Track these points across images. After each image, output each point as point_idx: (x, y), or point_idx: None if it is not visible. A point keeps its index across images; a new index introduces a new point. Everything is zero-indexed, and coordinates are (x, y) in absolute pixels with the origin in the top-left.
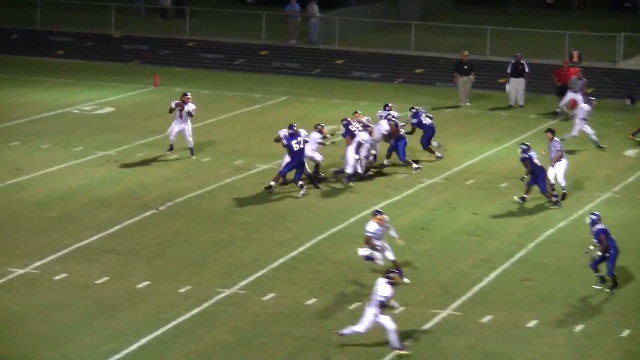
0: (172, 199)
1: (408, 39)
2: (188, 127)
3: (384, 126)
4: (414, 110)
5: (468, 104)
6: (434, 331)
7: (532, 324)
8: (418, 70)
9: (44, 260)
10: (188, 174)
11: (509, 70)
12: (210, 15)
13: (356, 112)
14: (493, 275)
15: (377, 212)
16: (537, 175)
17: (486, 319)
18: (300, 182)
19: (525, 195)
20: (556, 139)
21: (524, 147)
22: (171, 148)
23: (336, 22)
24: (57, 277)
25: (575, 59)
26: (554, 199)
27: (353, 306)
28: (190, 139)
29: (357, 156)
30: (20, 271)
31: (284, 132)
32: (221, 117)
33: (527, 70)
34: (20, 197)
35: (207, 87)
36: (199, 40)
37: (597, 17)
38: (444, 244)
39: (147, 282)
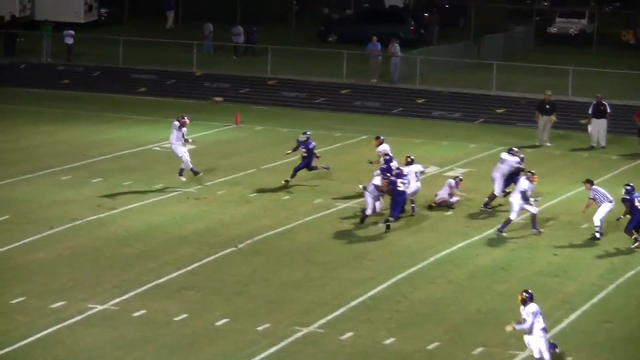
0: (251, 236)
1: (489, 78)
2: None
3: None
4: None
5: (549, 144)
6: None
7: None
8: (499, 110)
9: (124, 297)
10: (268, 212)
11: (590, 111)
12: (292, 53)
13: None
14: (573, 316)
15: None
16: (633, 217)
17: None
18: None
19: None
20: (594, 187)
21: (628, 187)
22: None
23: (417, 62)
24: (136, 314)
25: None
26: (636, 241)
27: (431, 346)
28: None
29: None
30: (100, 307)
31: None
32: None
33: (608, 110)
34: (101, 234)
35: (287, 126)
36: (279, 78)
37: None
38: (523, 285)
39: (225, 320)
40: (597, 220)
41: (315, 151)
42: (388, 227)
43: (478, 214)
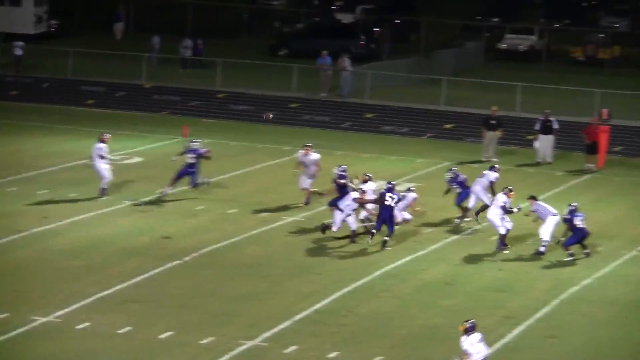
0: (198, 249)
1: (438, 94)
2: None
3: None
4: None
5: (495, 159)
6: None
7: None
8: (447, 126)
9: (68, 309)
10: (214, 225)
11: (537, 127)
12: (242, 66)
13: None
14: (517, 331)
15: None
16: (574, 235)
17: None
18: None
19: (586, 251)
20: (539, 203)
21: (572, 208)
22: None
23: (367, 76)
24: (80, 326)
25: (604, 117)
26: (571, 256)
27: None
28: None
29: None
30: (43, 319)
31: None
32: (249, 169)
33: (556, 127)
34: (47, 245)
35: (236, 139)
36: (229, 91)
37: (628, 75)
38: (468, 300)
39: (170, 333)
40: (545, 235)
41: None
42: (385, 243)
43: (423, 229)
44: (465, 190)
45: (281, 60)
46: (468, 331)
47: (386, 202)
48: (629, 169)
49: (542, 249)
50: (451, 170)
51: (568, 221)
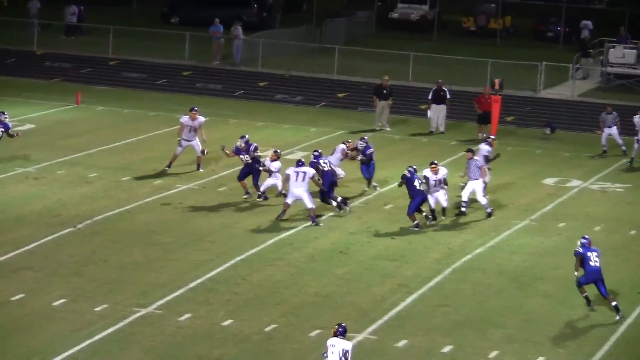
0: (91, 217)
1: (331, 63)
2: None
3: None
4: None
5: (388, 128)
6: (351, 355)
7: (447, 349)
8: (340, 95)
9: None
10: (107, 193)
11: (430, 97)
12: (134, 34)
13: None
14: (409, 299)
15: None
16: (414, 198)
17: (402, 343)
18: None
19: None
20: (476, 157)
21: (410, 169)
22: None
23: (260, 45)
24: None
25: (496, 87)
26: (415, 225)
27: (269, 328)
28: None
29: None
30: None
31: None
32: (142, 136)
33: (448, 97)
34: None
35: (128, 107)
36: (121, 59)
37: (519, 46)
38: (361, 268)
39: (63, 300)
40: (482, 197)
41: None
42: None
43: (316, 199)
44: (372, 164)
45: (173, 27)
46: (336, 334)
47: (324, 169)
48: (520, 139)
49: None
50: (363, 139)
51: (407, 179)
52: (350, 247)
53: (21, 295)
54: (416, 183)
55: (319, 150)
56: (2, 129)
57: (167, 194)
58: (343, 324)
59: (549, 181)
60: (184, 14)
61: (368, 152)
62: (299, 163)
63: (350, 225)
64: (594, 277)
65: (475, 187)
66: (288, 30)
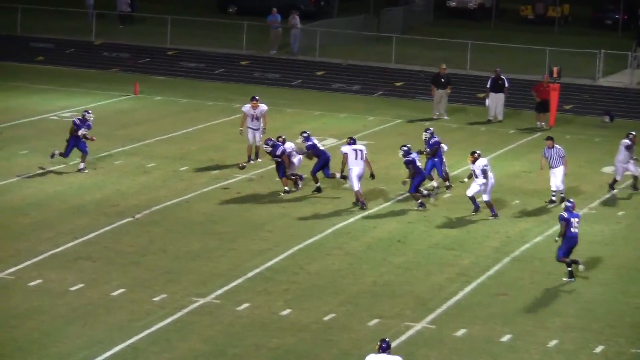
0: (149, 207)
1: (389, 51)
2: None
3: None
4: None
5: (446, 117)
6: (408, 344)
7: (505, 338)
8: (398, 83)
9: (19, 266)
10: (165, 183)
11: (488, 85)
12: (192, 24)
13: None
14: (468, 289)
15: None
16: (416, 177)
17: (460, 332)
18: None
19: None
20: (557, 146)
21: (405, 148)
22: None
23: (317, 34)
24: (31, 283)
25: (555, 75)
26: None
27: (327, 317)
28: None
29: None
30: None
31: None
32: (200, 126)
33: (506, 85)
34: None
35: (186, 96)
36: (179, 49)
37: (577, 34)
38: (419, 257)
39: (122, 290)
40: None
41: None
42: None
43: (374, 188)
44: (440, 158)
45: (231, 17)
46: (381, 349)
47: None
48: (579, 127)
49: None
50: (427, 130)
51: (410, 163)
52: (408, 236)
53: (80, 285)
54: (419, 162)
55: (308, 132)
56: (85, 129)
57: (224, 183)
58: (386, 339)
59: (608, 169)
60: (241, 3)
61: (432, 142)
62: (352, 141)
63: (408, 215)
64: (571, 243)
65: (556, 174)
66: (345, 19)
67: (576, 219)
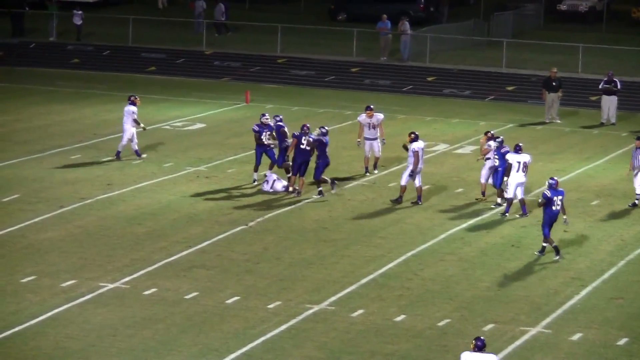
0: (262, 215)
1: (499, 56)
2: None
3: None
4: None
5: (558, 121)
6: (524, 349)
7: (622, 342)
8: (509, 88)
9: (134, 275)
10: (278, 191)
11: (600, 87)
12: (302, 32)
13: None
14: (583, 293)
15: None
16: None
17: (576, 337)
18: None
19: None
20: None
21: (497, 139)
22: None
23: (427, 40)
24: (146, 292)
25: None
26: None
27: (442, 323)
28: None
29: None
30: (110, 286)
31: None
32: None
33: (619, 87)
34: (111, 212)
35: (297, 104)
36: (289, 57)
37: None
38: (534, 262)
39: (236, 298)
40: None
41: None
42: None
43: (487, 191)
44: (502, 167)
45: (340, 24)
46: (474, 348)
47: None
48: None
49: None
50: (492, 137)
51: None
52: (522, 240)
53: (195, 294)
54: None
55: (308, 125)
56: (268, 134)
57: (336, 190)
58: (482, 338)
59: None
60: (350, 10)
61: (503, 151)
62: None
63: (522, 219)
64: (551, 220)
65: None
66: (455, 24)
67: (560, 197)
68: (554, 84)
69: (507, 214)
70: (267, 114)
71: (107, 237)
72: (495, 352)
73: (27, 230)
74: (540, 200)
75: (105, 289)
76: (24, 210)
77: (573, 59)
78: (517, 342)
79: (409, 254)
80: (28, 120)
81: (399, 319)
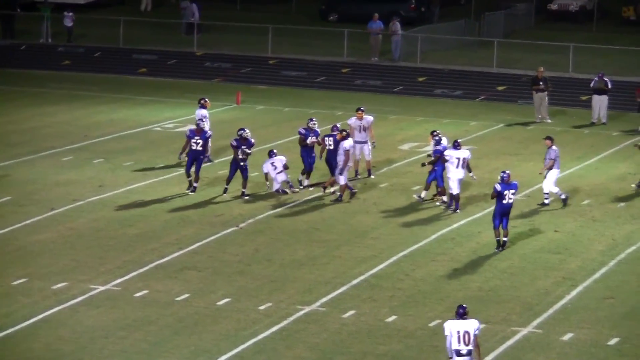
0: (253, 216)
1: (490, 56)
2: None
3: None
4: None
5: (548, 120)
6: (516, 349)
7: (613, 341)
8: (500, 88)
9: (126, 277)
10: (269, 192)
11: (592, 86)
12: (292, 32)
13: None
14: (574, 292)
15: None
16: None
17: (567, 336)
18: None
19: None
20: (554, 147)
21: (436, 137)
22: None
23: (418, 40)
24: (138, 294)
25: None
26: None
27: (433, 323)
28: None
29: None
30: (102, 288)
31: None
32: None
33: (610, 87)
34: (103, 214)
35: (288, 105)
36: (280, 57)
37: None
38: (525, 262)
39: (227, 299)
40: (553, 187)
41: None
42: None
43: (478, 192)
44: (440, 166)
45: (331, 25)
46: (458, 315)
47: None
48: None
49: (547, 201)
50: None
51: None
52: (513, 240)
53: (186, 295)
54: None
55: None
56: (313, 137)
57: (328, 191)
58: (464, 305)
59: None
60: (341, 10)
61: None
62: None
63: (512, 219)
64: (504, 211)
65: (548, 177)
66: (446, 24)
67: (511, 190)
68: (540, 83)
69: (458, 210)
70: (314, 119)
71: (99, 239)
72: (487, 353)
73: (18, 233)
74: (492, 192)
75: (96, 291)
76: (15, 212)
77: (564, 58)
78: (509, 342)
79: (401, 254)
80: (19, 122)
81: (390, 319)
